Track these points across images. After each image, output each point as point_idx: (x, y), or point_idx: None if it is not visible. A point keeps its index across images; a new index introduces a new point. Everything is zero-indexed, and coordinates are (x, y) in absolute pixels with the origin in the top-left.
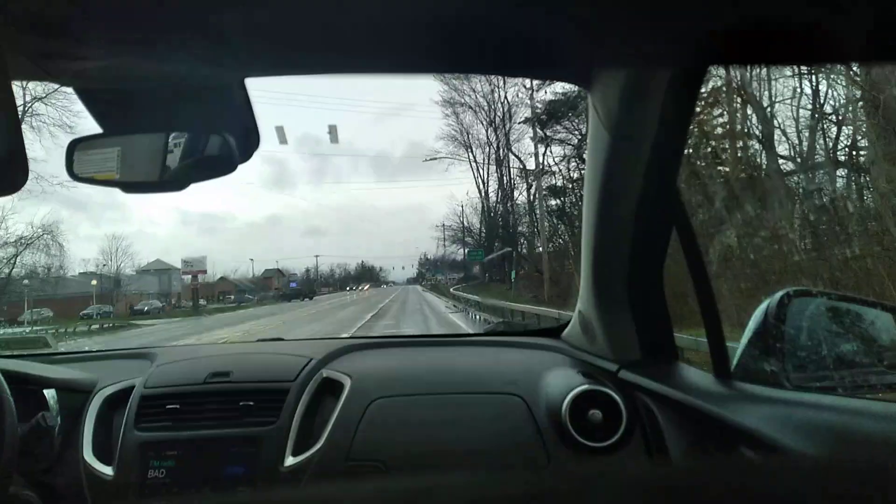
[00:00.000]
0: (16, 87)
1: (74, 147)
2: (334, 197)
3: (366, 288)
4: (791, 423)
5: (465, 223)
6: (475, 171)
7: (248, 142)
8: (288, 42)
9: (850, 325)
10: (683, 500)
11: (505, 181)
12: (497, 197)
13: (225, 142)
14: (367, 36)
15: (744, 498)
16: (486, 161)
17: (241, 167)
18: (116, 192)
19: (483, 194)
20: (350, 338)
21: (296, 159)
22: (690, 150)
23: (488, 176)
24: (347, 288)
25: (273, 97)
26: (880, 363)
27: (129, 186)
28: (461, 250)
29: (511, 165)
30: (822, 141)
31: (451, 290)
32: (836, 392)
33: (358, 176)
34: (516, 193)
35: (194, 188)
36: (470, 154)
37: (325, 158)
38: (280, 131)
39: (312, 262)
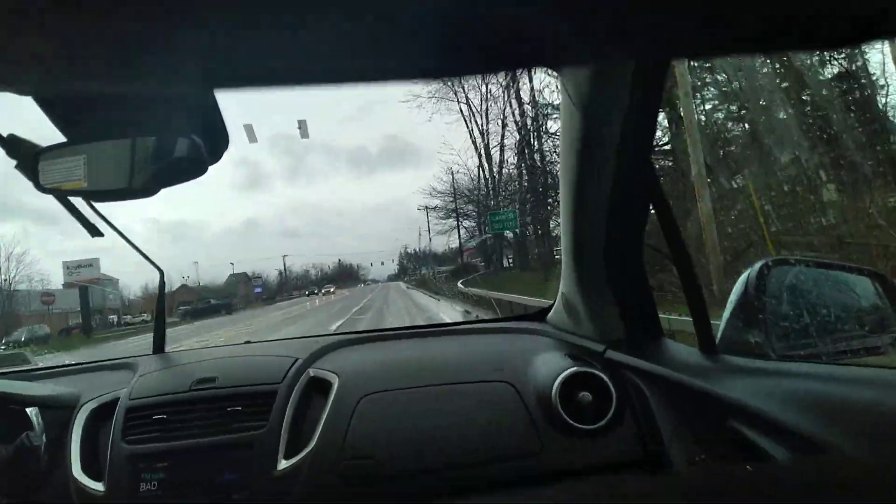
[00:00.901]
0: None
1: (39, 157)
2: (311, 197)
3: (331, 291)
4: (777, 393)
5: (473, 180)
6: (468, 121)
7: (216, 142)
8: (256, 55)
9: (829, 291)
10: None
11: (525, 111)
12: (505, 134)
13: (193, 144)
14: (333, 47)
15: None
16: (485, 102)
17: (212, 170)
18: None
19: (483, 147)
20: (335, 334)
21: (269, 160)
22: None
23: (487, 124)
24: (307, 293)
25: (239, 96)
26: (861, 328)
27: (99, 195)
28: (455, 231)
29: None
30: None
31: (460, 284)
32: (820, 360)
33: (335, 173)
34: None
35: (167, 196)
36: (461, 94)
37: (299, 158)
38: (249, 129)
39: (288, 264)
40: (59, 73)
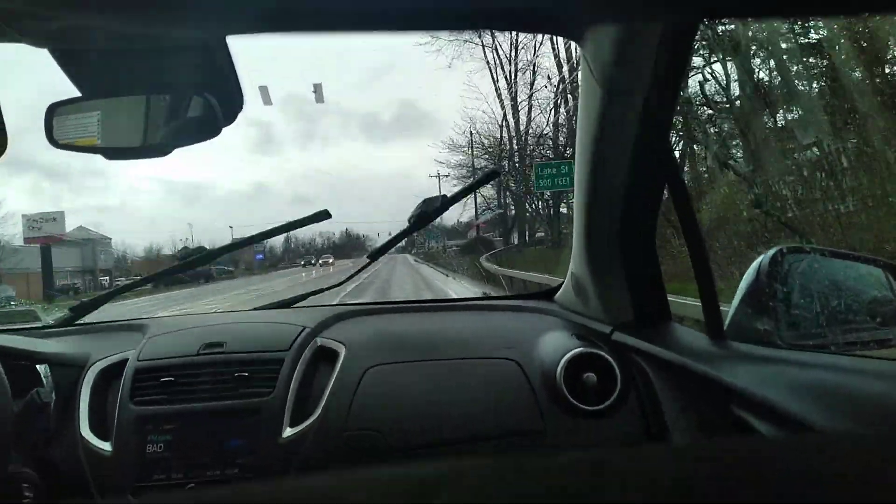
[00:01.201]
0: None
1: (53, 112)
2: (322, 162)
3: (329, 262)
4: (784, 382)
5: (496, 136)
6: (493, 69)
7: (231, 103)
8: None
9: (842, 281)
10: (688, 484)
11: (565, 58)
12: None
13: (208, 104)
14: None
15: (748, 479)
16: (514, 49)
17: (225, 131)
18: (98, 160)
19: (510, 99)
20: (342, 304)
21: (282, 122)
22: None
23: (516, 73)
24: (302, 263)
25: (256, 56)
26: (873, 320)
27: (112, 152)
28: (469, 202)
29: None
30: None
31: (483, 260)
32: (829, 350)
33: (347, 139)
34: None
35: (180, 155)
36: (486, 38)
37: (312, 121)
38: (264, 91)
39: (297, 231)
40: (74, 14)
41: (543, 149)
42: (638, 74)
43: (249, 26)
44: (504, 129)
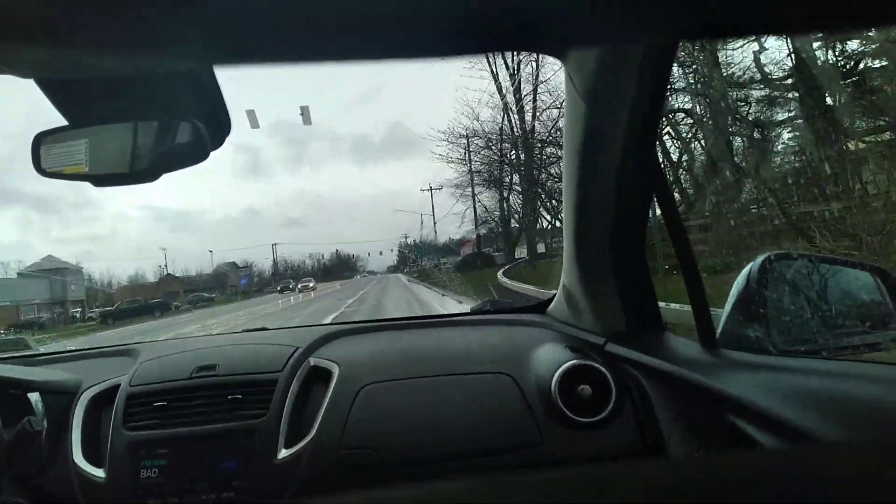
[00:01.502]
0: None
1: (40, 141)
2: (313, 185)
3: (310, 286)
4: (777, 389)
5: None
6: (492, 62)
7: (218, 127)
8: (258, 29)
9: (831, 286)
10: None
11: None
12: None
13: (195, 128)
14: (338, 23)
15: (745, 491)
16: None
17: (213, 156)
18: (87, 190)
19: (513, 85)
20: (335, 323)
21: (270, 145)
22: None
23: (518, 69)
24: (279, 288)
25: (242, 80)
26: (862, 324)
27: (100, 179)
28: (464, 219)
29: None
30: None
31: (501, 276)
32: (820, 355)
33: (338, 161)
34: None
35: (169, 183)
36: None
37: (301, 143)
38: (251, 115)
39: (287, 254)
40: (60, 48)
41: (554, 147)
42: (621, 89)
43: (237, 58)
44: (506, 118)
